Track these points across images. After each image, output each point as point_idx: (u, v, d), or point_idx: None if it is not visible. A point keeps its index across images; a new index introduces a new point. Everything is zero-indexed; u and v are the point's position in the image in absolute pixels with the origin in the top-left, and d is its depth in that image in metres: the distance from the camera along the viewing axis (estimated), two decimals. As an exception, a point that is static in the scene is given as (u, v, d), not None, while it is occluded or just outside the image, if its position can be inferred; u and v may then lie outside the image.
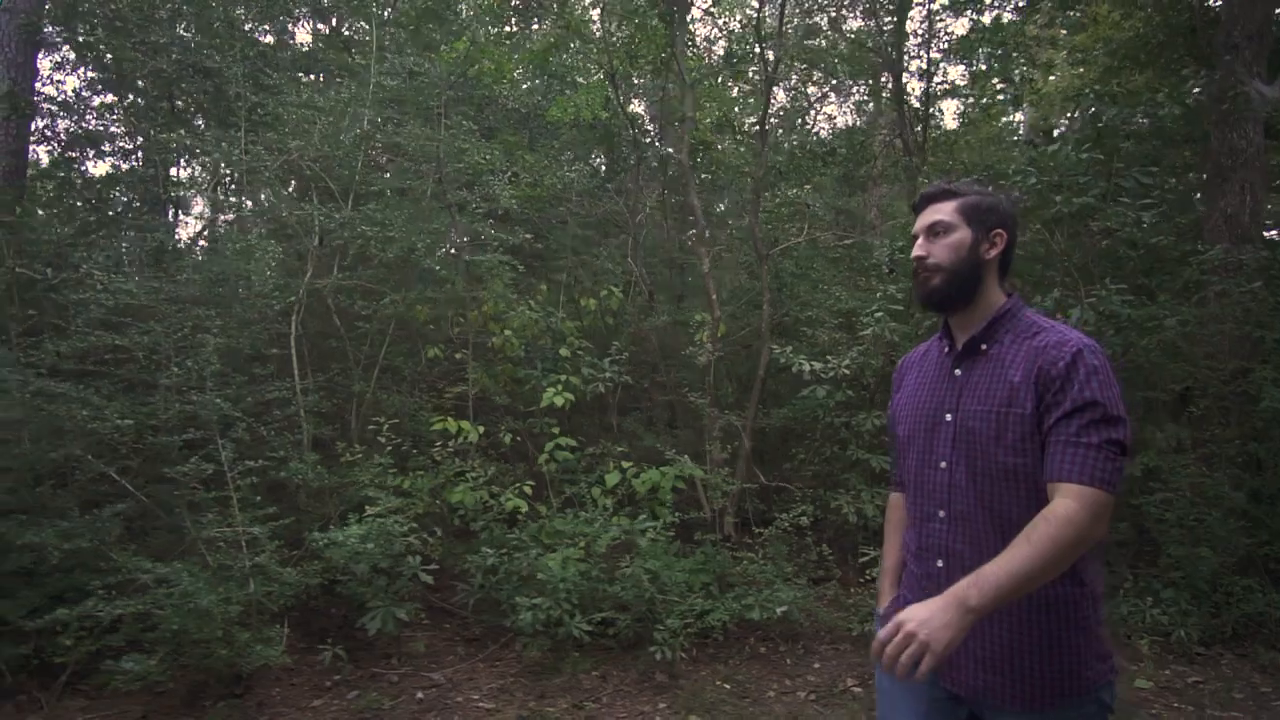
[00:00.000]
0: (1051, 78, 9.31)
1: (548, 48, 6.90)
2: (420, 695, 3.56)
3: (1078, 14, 8.62)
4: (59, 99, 7.62)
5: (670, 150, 7.63)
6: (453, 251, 5.06)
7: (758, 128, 6.45)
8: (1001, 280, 1.57)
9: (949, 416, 1.51)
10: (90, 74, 7.49)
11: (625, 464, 4.64)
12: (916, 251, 1.56)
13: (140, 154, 7.40)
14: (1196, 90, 4.86)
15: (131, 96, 7.36)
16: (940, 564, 1.49)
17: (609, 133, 7.63)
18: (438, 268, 5.00)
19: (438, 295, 5.39)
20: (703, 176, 7.82)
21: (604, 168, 7.59)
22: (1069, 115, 12.03)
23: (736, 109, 7.57)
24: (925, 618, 1.23)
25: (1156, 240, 4.35)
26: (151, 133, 6.67)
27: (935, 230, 1.54)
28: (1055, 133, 12.04)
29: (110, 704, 3.45)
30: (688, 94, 5.91)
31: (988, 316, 1.52)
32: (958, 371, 1.54)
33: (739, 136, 6.85)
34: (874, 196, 9.99)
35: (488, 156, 5.63)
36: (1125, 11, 7.98)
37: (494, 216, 5.47)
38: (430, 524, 4.38)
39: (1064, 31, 9.08)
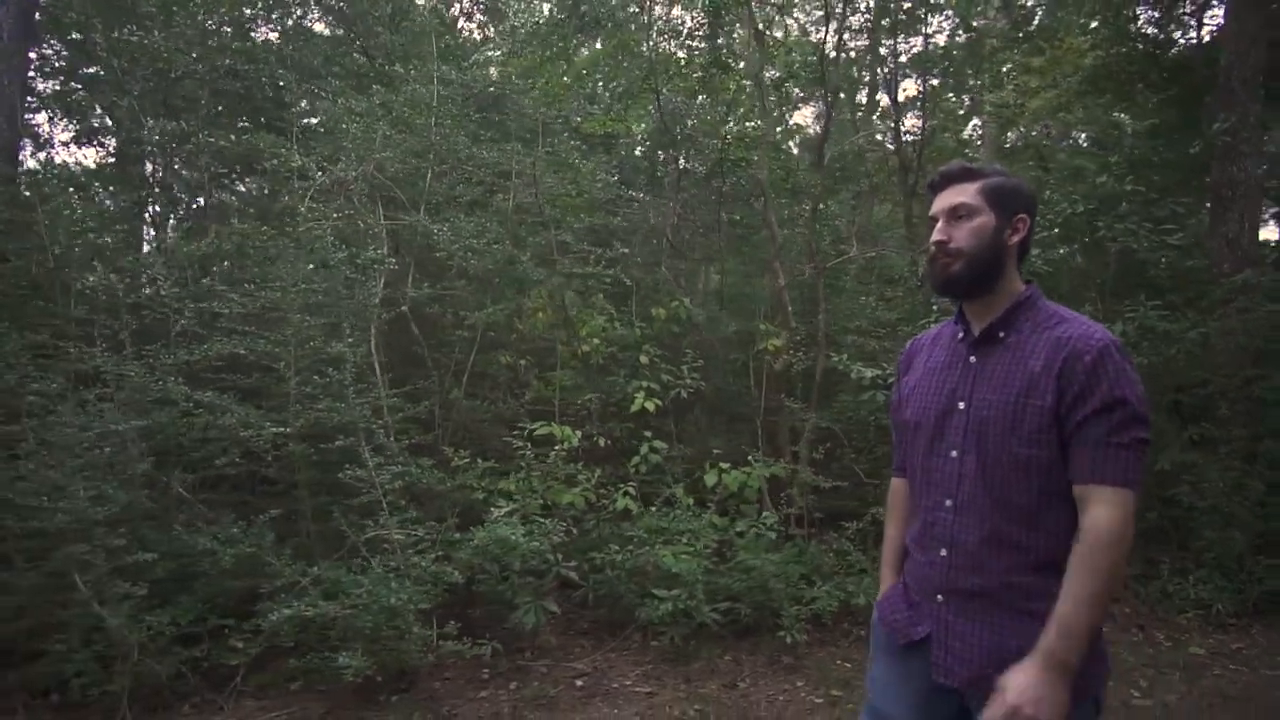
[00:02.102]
0: (1001, 94, 10.05)
1: (593, 62, 7.15)
2: (579, 683, 3.82)
3: (1027, 35, 9.44)
4: (48, 93, 7.49)
5: (697, 166, 8.00)
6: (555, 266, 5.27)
7: (817, 145, 6.86)
8: (1019, 266, 1.52)
9: (962, 404, 1.47)
10: (88, 70, 7.32)
11: (723, 465, 4.97)
12: (937, 236, 1.49)
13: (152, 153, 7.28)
14: (1218, 128, 5.50)
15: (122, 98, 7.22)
16: (944, 553, 1.48)
17: (633, 146, 7.93)
18: (538, 279, 5.21)
19: (516, 306, 5.59)
20: (723, 190, 8.20)
21: (641, 178, 7.85)
22: (1019, 129, 13.00)
23: (765, 123, 7.94)
24: (1034, 695, 1.25)
25: (1191, 264, 4.97)
26: (199, 136, 6.61)
27: (958, 213, 1.47)
28: (1005, 146, 12.99)
29: (285, 702, 3.59)
30: (769, 117, 6.27)
31: (1006, 304, 1.48)
32: (973, 359, 1.49)
33: (778, 154, 7.22)
34: (862, 210, 10.62)
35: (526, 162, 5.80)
36: (1091, 42, 8.84)
37: (587, 231, 5.71)
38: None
39: (1016, 53, 9.87)
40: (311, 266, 4.49)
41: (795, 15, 10.27)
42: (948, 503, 1.47)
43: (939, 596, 1.48)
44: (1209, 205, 6.08)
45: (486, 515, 4.39)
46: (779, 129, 7.71)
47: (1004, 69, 9.09)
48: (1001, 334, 1.47)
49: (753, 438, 6.03)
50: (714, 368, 6.96)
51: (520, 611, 3.93)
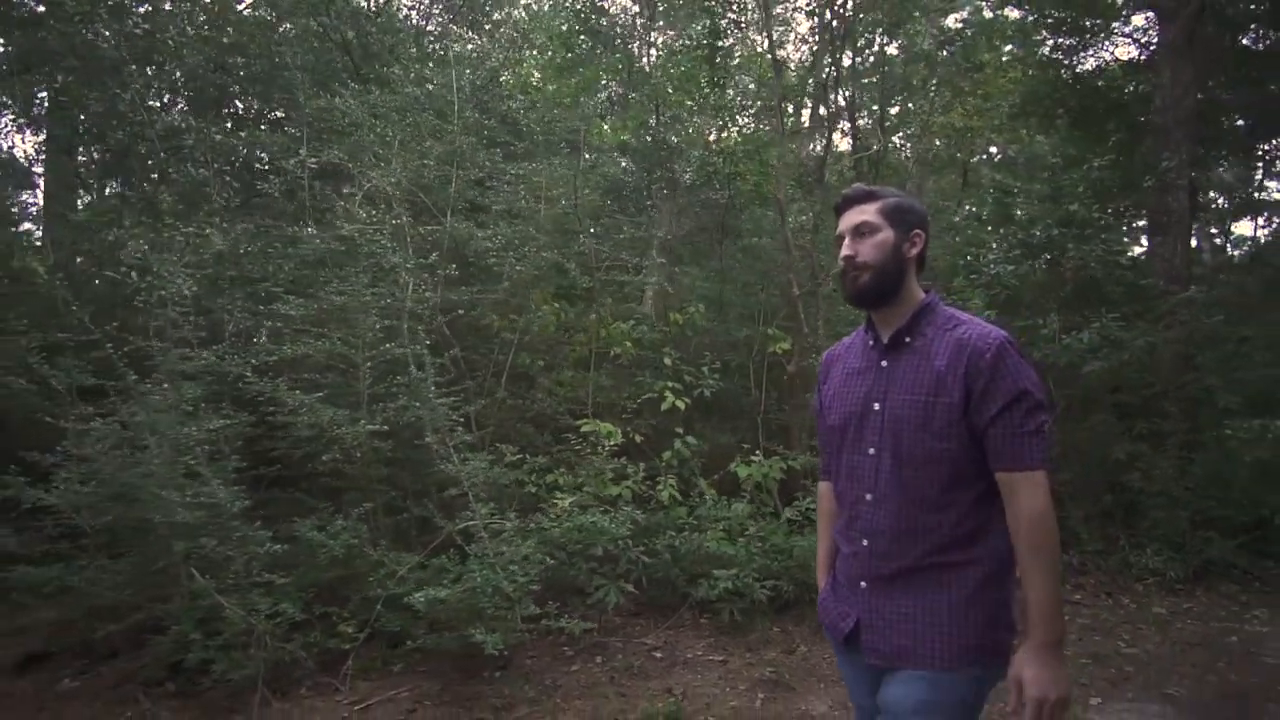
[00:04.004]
0: (942, 118, 10.90)
1: (595, 77, 7.49)
2: (657, 654, 4.21)
3: (958, 57, 10.40)
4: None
5: (687, 177, 8.45)
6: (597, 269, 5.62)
7: (817, 164, 7.42)
8: (918, 277, 1.68)
9: (877, 406, 1.61)
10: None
11: (753, 458, 5.45)
12: (845, 251, 1.64)
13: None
14: (1164, 166, 6.39)
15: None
16: (865, 543, 1.61)
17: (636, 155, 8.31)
18: (588, 284, 5.54)
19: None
20: (723, 202, 8.62)
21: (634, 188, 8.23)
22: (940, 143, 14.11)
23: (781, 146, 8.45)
24: (1046, 678, 1.42)
25: (1146, 282, 5.80)
26: (208, 130, 6.54)
27: (861, 230, 1.63)
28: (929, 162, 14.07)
29: (395, 682, 3.83)
30: (783, 140, 6.77)
31: (910, 311, 1.63)
32: (884, 363, 1.64)
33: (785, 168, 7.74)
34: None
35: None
36: (1021, 71, 9.83)
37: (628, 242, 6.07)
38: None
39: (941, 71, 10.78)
40: (359, 270, 4.67)
41: (764, 34, 10.84)
42: (868, 496, 1.61)
43: (862, 584, 1.62)
44: (1143, 227, 7.02)
45: (542, 507, 4.73)
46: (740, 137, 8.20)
47: (930, 88, 9.92)
48: (908, 339, 1.63)
49: (753, 434, 6.54)
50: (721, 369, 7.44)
51: (600, 592, 4.29)
